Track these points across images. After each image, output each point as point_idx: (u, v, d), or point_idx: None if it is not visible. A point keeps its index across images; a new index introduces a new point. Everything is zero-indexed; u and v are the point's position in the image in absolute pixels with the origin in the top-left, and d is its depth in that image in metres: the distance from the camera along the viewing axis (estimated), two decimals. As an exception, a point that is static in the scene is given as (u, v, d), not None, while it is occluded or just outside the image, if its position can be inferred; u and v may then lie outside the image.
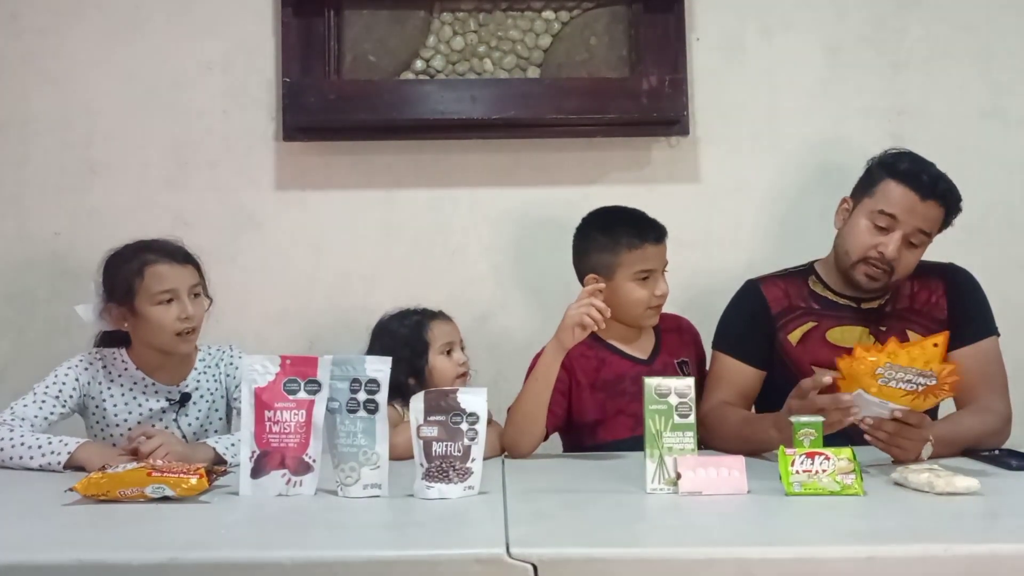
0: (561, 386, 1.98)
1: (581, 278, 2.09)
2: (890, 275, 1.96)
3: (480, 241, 2.59)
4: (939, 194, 1.94)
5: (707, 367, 2.13)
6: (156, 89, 2.58)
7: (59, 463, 1.79)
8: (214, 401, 2.09)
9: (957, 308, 2.02)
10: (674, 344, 2.13)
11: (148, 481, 1.51)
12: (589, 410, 2.04)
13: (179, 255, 2.01)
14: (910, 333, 1.99)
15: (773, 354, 2.05)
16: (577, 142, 2.58)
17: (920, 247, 1.97)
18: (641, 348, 2.10)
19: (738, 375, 2.04)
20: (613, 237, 2.03)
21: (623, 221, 2.05)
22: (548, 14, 2.62)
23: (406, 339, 2.05)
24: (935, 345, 1.66)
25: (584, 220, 2.12)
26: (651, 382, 1.61)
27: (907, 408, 1.65)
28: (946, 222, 1.99)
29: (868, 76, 2.60)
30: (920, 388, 1.64)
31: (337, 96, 2.50)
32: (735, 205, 2.57)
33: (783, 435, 1.67)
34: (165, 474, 1.53)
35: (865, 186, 2.02)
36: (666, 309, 2.10)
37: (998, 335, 2.03)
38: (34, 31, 2.58)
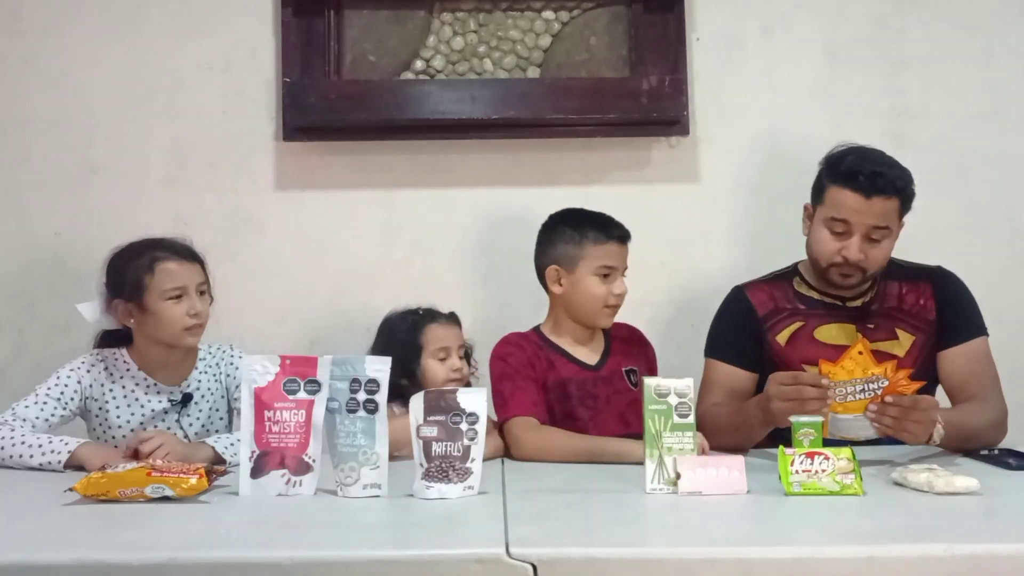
0: (536, 385, 2.03)
1: (541, 272, 2.13)
2: (863, 271, 1.98)
3: (480, 241, 2.59)
4: (881, 189, 1.92)
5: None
6: (156, 89, 2.58)
7: (59, 462, 1.79)
8: (215, 401, 2.10)
9: (946, 310, 2.03)
10: (623, 351, 2.14)
11: (148, 481, 1.51)
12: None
13: (187, 253, 2.03)
14: (899, 332, 2.02)
15: (763, 356, 2.07)
16: (577, 142, 2.58)
17: (884, 240, 1.97)
18: (590, 353, 2.12)
19: (731, 379, 2.06)
20: (580, 231, 2.07)
21: (591, 218, 2.11)
22: (548, 14, 2.62)
23: (401, 340, 2.05)
24: (860, 352, 1.71)
25: (551, 216, 2.16)
26: (651, 382, 1.62)
27: (868, 398, 1.70)
28: (904, 208, 1.98)
29: (868, 76, 2.61)
30: (879, 392, 1.68)
31: (337, 96, 2.51)
32: (735, 205, 2.58)
33: (765, 414, 1.76)
34: (165, 474, 1.53)
35: (817, 193, 2.04)
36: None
37: (987, 333, 2.04)
38: (34, 31, 2.58)
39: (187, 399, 2.05)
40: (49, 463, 1.79)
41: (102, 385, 2.03)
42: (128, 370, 2.04)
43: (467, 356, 2.13)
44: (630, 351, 2.15)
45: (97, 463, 1.66)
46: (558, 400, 2.05)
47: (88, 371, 2.03)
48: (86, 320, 2.05)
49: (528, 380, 2.02)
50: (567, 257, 2.07)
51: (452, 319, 2.12)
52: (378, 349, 2.04)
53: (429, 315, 2.09)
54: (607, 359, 2.11)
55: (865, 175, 1.92)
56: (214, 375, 2.10)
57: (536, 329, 2.16)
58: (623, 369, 2.10)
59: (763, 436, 1.86)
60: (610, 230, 2.07)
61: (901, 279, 2.06)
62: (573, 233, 2.08)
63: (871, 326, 2.02)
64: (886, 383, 1.68)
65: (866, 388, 1.68)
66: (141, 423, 2.02)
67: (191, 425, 2.06)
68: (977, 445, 1.87)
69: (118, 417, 2.02)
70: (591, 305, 2.06)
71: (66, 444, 1.81)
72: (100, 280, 2.03)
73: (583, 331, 2.11)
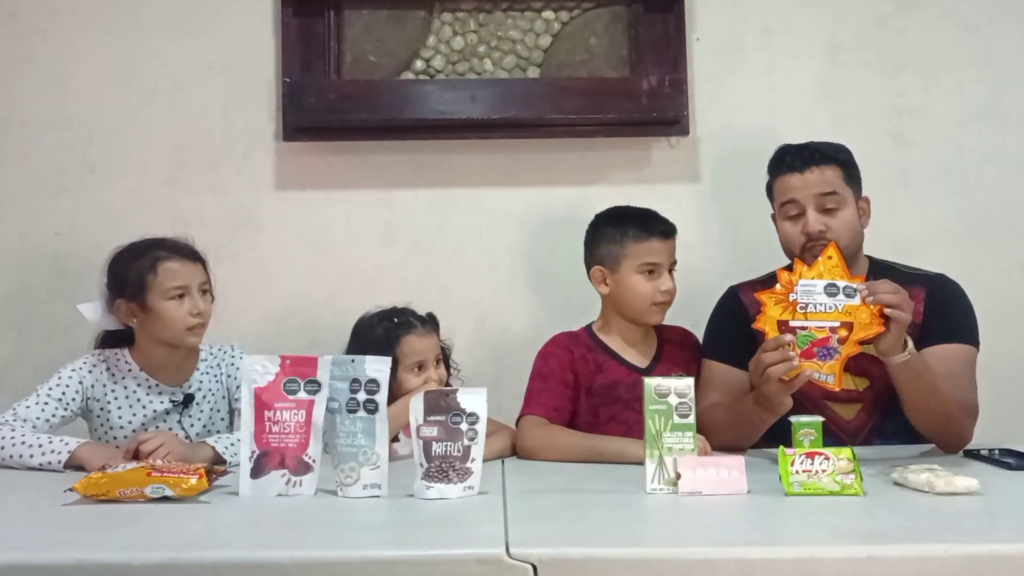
0: (568, 391, 2.02)
1: (589, 271, 2.13)
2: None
3: (480, 241, 2.59)
4: (812, 159, 1.99)
5: None
6: (156, 89, 2.58)
7: (59, 462, 1.79)
8: (216, 401, 2.10)
9: (934, 314, 1.98)
10: (674, 356, 2.12)
11: (148, 481, 1.51)
12: (582, 414, 2.05)
13: (189, 252, 2.03)
14: None
15: None
16: (577, 142, 2.58)
17: (840, 209, 1.99)
18: (640, 355, 2.11)
19: (727, 378, 2.06)
20: (621, 230, 2.07)
21: (632, 216, 2.10)
22: (548, 14, 2.62)
23: (376, 348, 1.93)
24: (829, 257, 1.74)
25: (596, 215, 2.16)
26: (651, 382, 1.61)
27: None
28: (849, 176, 2.02)
29: (868, 76, 2.61)
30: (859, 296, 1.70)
31: (337, 96, 2.51)
32: (735, 205, 2.58)
33: (760, 402, 1.76)
34: (165, 474, 1.52)
35: (770, 197, 2.11)
36: (670, 313, 2.10)
37: (975, 347, 1.97)
38: (34, 31, 2.58)
39: (188, 400, 2.05)
40: (49, 463, 1.79)
41: (104, 385, 2.03)
42: (130, 371, 2.04)
43: (446, 358, 2.09)
44: (681, 356, 2.13)
45: (97, 463, 1.66)
46: (604, 403, 2.04)
47: (90, 371, 2.03)
48: (87, 320, 2.05)
49: (560, 384, 2.03)
50: (610, 257, 2.07)
51: (429, 327, 2.04)
52: (354, 349, 2.01)
53: (406, 324, 2.01)
54: (658, 363, 2.10)
55: (792, 153, 2.03)
56: (215, 376, 2.11)
57: (588, 328, 2.15)
58: (673, 374, 2.06)
59: (763, 431, 1.85)
60: (651, 226, 2.07)
61: (896, 283, 2.05)
62: (614, 232, 2.08)
63: None
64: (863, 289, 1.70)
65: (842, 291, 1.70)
66: (143, 424, 2.02)
67: (192, 426, 2.06)
68: (943, 421, 1.85)
69: (120, 418, 2.02)
70: (638, 304, 2.05)
71: (66, 444, 1.81)
72: (102, 280, 2.03)
73: (634, 330, 2.11)
